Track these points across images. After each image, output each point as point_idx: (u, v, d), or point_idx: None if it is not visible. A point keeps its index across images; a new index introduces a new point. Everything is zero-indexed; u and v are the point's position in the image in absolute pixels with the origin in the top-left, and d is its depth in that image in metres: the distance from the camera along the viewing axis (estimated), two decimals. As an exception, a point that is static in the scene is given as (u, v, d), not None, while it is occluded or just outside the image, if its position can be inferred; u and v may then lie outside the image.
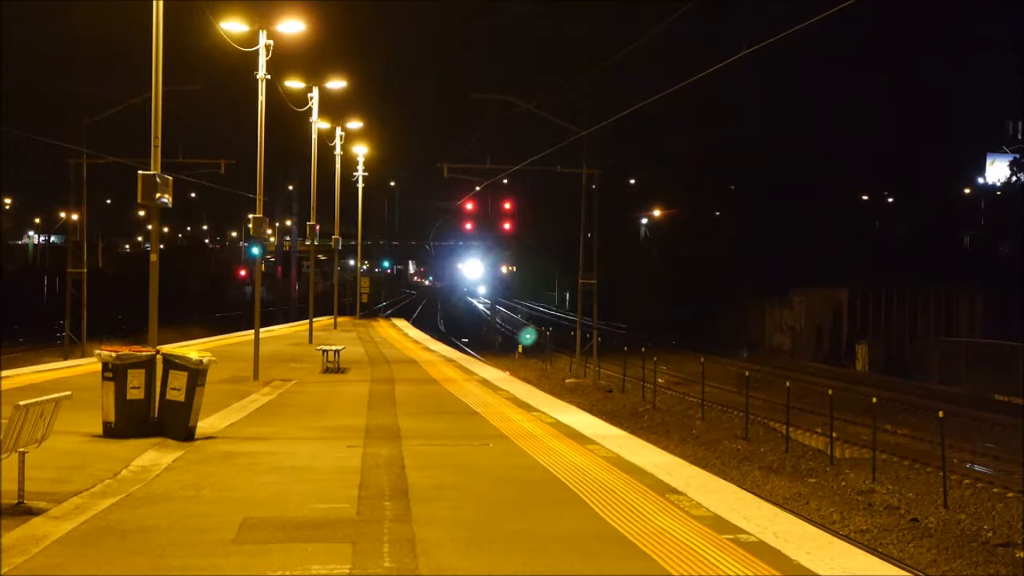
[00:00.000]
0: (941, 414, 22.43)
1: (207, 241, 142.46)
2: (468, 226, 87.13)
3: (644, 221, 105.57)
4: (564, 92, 57.42)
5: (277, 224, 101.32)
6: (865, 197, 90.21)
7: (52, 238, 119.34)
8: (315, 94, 40.97)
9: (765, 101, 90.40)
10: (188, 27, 29.98)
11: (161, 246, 28.23)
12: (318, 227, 45.72)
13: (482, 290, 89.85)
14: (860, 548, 11.79)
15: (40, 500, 10.46)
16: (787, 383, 29.73)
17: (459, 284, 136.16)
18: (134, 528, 9.53)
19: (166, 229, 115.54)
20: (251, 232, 29.02)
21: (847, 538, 15.74)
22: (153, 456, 13.50)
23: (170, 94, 21.33)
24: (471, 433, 16.09)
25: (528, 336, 60.07)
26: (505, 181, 68.57)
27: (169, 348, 18.60)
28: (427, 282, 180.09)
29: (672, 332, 68.26)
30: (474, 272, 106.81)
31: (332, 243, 56.56)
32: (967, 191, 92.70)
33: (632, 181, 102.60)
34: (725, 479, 15.78)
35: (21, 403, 10.26)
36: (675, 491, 11.42)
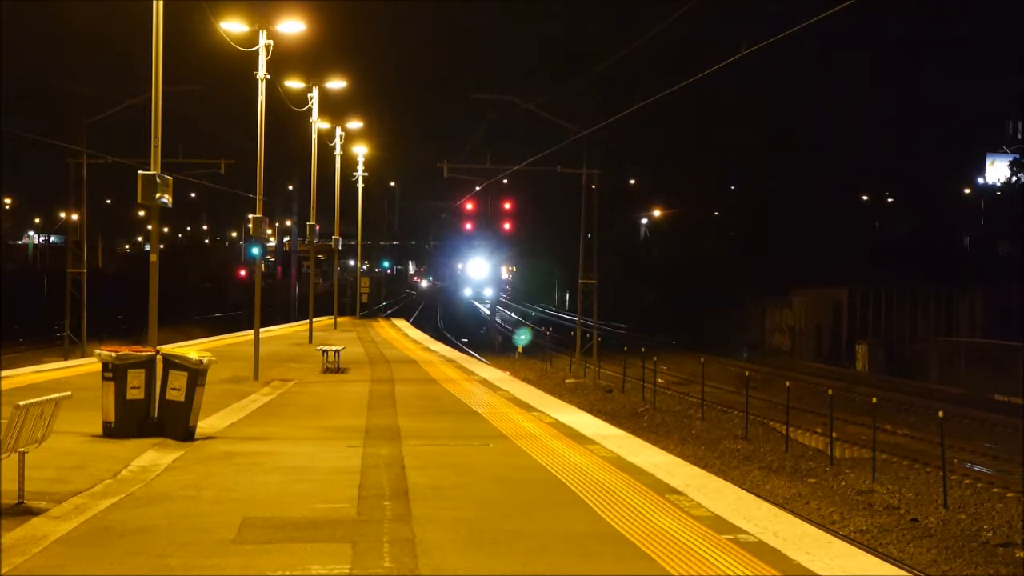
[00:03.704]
0: (941, 414, 22.44)
1: (207, 241, 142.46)
2: (468, 226, 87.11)
3: (644, 221, 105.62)
4: (564, 92, 57.47)
5: (277, 224, 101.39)
6: (865, 197, 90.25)
7: (52, 238, 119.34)
8: (315, 94, 40.99)
9: (765, 101, 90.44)
10: (188, 27, 29.97)
11: (161, 246, 28.23)
12: (318, 227, 45.74)
13: (488, 292, 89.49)
14: (860, 548, 11.80)
15: (40, 500, 10.46)
16: (787, 383, 29.73)
17: (460, 284, 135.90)
18: (134, 528, 9.53)
19: (166, 229, 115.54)
20: (251, 232, 29.04)
21: (847, 538, 15.75)
22: (153, 456, 13.49)
23: (170, 94, 21.33)
24: (471, 433, 16.09)
25: (523, 337, 60.03)
26: (505, 181, 68.62)
27: (169, 348, 18.60)
28: (425, 283, 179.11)
29: (672, 332, 68.27)
30: (477, 272, 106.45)
31: (332, 243, 56.58)
32: (967, 191, 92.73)
33: (632, 181, 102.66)
34: (725, 479, 15.77)
35: (21, 403, 10.25)
36: (675, 491, 11.42)
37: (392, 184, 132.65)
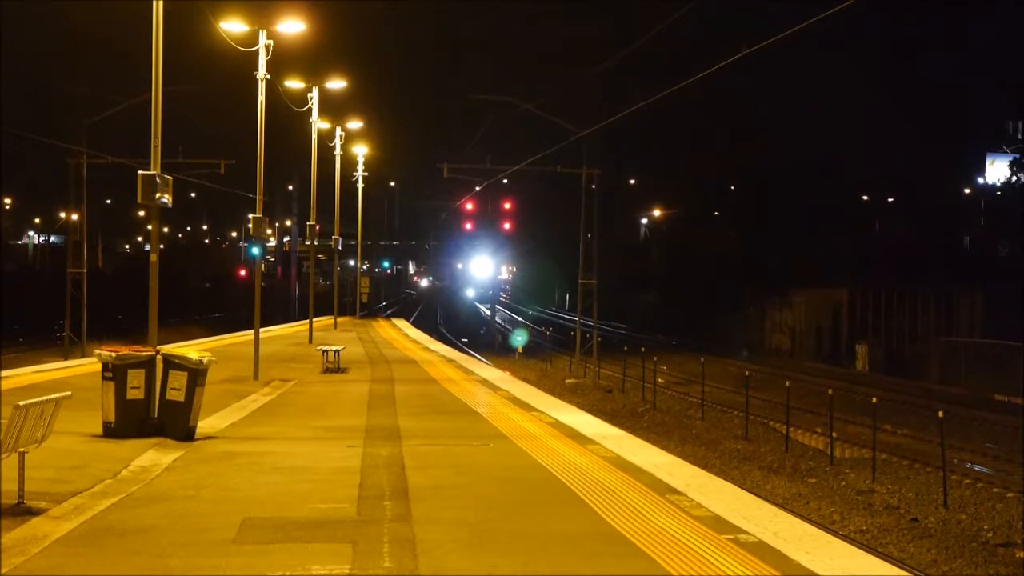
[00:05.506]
0: (941, 414, 22.44)
1: (207, 241, 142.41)
2: (468, 226, 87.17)
3: (644, 221, 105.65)
4: (564, 92, 57.47)
5: (277, 224, 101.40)
6: (865, 197, 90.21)
7: (52, 238, 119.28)
8: (315, 94, 40.98)
9: (765, 101, 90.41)
10: (188, 27, 29.96)
11: (161, 246, 28.24)
12: (318, 227, 45.73)
13: (489, 292, 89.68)
14: (860, 548, 11.80)
15: (40, 500, 10.46)
16: (787, 383, 29.73)
17: (460, 284, 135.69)
18: (134, 528, 9.52)
19: (166, 229, 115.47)
20: (251, 232, 29.05)
21: (847, 538, 15.74)
22: (153, 456, 13.49)
23: (170, 94, 21.32)
24: (471, 433, 16.08)
25: (519, 338, 60.01)
26: (505, 181, 68.64)
27: (169, 348, 18.58)
28: (425, 282, 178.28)
29: (672, 332, 68.27)
30: (477, 272, 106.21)
31: (332, 243, 56.60)
32: (967, 191, 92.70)
33: (632, 181, 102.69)
34: (725, 479, 15.77)
35: (21, 403, 10.25)
36: (675, 491, 11.41)
37: (392, 184, 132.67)
